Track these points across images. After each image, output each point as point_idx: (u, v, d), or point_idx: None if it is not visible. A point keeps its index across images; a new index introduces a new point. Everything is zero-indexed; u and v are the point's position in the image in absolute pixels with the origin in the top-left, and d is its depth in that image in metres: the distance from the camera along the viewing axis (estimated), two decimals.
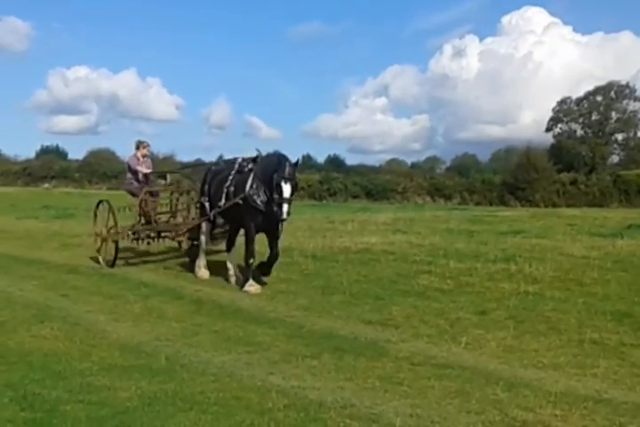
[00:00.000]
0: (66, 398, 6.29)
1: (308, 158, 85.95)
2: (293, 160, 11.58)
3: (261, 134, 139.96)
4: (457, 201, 58.34)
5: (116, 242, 14.65)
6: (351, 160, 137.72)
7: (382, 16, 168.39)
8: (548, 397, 6.36)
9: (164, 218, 15.38)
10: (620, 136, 73.15)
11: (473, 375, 7.02)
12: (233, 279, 12.58)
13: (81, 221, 24.35)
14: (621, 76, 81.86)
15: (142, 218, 14.85)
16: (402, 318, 9.53)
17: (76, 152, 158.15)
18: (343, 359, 7.76)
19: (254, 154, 12.35)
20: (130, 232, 14.44)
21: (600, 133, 71.83)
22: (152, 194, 15.06)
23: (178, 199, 15.66)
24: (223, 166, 12.95)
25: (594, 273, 11.45)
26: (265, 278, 12.28)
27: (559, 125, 73.68)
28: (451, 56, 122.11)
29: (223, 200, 12.33)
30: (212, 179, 12.87)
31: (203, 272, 13.21)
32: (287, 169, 11.13)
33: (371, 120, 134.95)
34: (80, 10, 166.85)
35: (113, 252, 14.68)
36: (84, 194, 54.17)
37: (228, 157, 14.29)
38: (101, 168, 74.80)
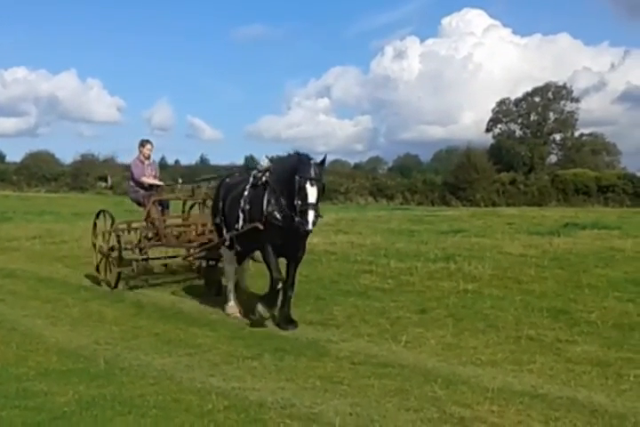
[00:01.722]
0: (1, 404, 6.19)
1: (251, 160, 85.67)
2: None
3: (204, 136, 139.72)
4: (399, 201, 58.72)
5: (119, 258, 12.45)
6: None
7: (325, 18, 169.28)
8: (485, 393, 6.44)
9: (174, 232, 12.75)
10: (557, 136, 74.57)
11: (412, 373, 7.09)
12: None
13: (19, 224, 23.96)
14: (559, 78, 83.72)
15: (150, 232, 12.61)
16: (343, 318, 9.58)
17: (15, 154, 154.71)
18: (284, 360, 7.77)
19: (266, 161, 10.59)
20: (137, 247, 12.52)
21: (538, 134, 73.04)
22: (161, 204, 12.92)
23: (191, 208, 13.41)
24: (238, 179, 10.45)
25: (531, 271, 11.64)
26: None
27: (499, 126, 74.79)
28: (392, 57, 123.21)
29: (241, 222, 9.83)
30: (226, 194, 10.40)
31: (233, 308, 10.40)
32: (312, 168, 8.84)
33: (314, 121, 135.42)
34: (17, 10, 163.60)
35: (116, 271, 12.39)
36: (22, 197, 53.33)
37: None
38: (40, 171, 73.72)
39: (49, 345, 8.49)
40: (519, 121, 73.96)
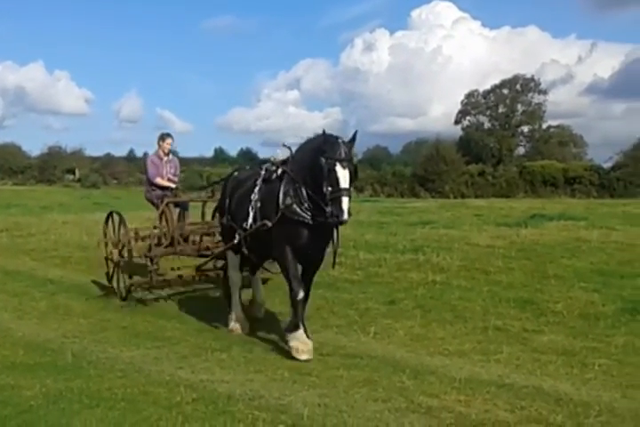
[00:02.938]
0: None
1: (220, 152, 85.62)
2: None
3: (174, 128, 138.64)
4: (369, 193, 58.69)
5: (130, 266, 10.69)
6: (264, 153, 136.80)
7: (295, 10, 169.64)
8: (452, 383, 6.51)
9: (192, 237, 11.08)
10: (525, 128, 74.92)
11: (381, 364, 7.13)
12: (252, 310, 9.50)
13: None
14: (527, 70, 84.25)
15: (163, 238, 10.70)
16: (312, 310, 9.55)
17: None
18: (253, 352, 7.79)
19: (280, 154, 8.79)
20: (146, 256, 10.35)
21: (507, 126, 73.40)
22: (178, 206, 11.28)
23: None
24: (248, 173, 9.08)
25: (498, 262, 11.74)
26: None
27: (467, 118, 75.00)
28: (362, 50, 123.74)
29: (250, 220, 8.41)
30: (234, 190, 9.04)
31: (237, 325, 8.97)
32: (341, 148, 7.38)
33: (283, 113, 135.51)
34: None
35: (127, 279, 10.75)
36: None
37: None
38: (7, 163, 73.00)
39: (16, 339, 8.44)
40: (487, 113, 74.24)
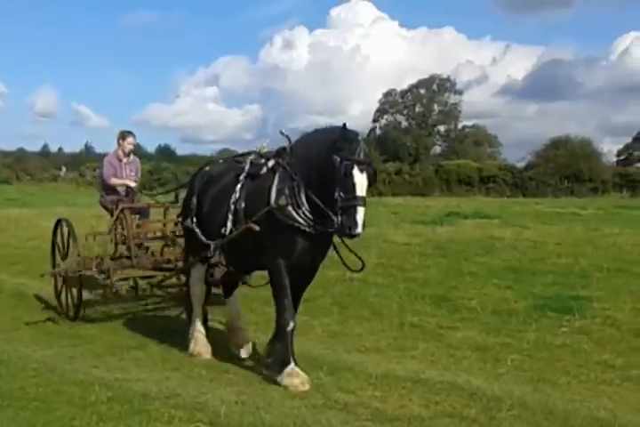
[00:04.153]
0: None
1: (137, 148, 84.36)
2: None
3: (90, 123, 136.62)
4: None
5: (80, 281, 9.22)
6: (182, 150, 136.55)
7: (214, 6, 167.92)
8: (369, 379, 6.56)
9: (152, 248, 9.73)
10: (441, 128, 76.27)
11: (298, 361, 7.09)
12: (244, 352, 7.56)
13: None
14: (443, 70, 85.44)
15: (118, 248, 9.47)
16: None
17: None
18: (170, 350, 7.74)
19: (270, 144, 7.47)
20: (95, 269, 9.02)
21: (423, 125, 74.57)
22: (138, 213, 9.71)
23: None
24: (224, 167, 7.68)
25: (415, 259, 11.92)
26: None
27: (385, 117, 75.92)
28: (281, 47, 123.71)
29: (229, 225, 7.01)
30: (205, 189, 7.55)
31: (200, 347, 7.64)
32: (360, 147, 6.28)
33: (202, 110, 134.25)
34: None
35: (76, 295, 9.27)
36: None
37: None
38: None
39: None
40: (405, 112, 75.33)
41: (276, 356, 6.75)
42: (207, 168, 7.88)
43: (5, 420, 5.52)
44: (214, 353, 7.55)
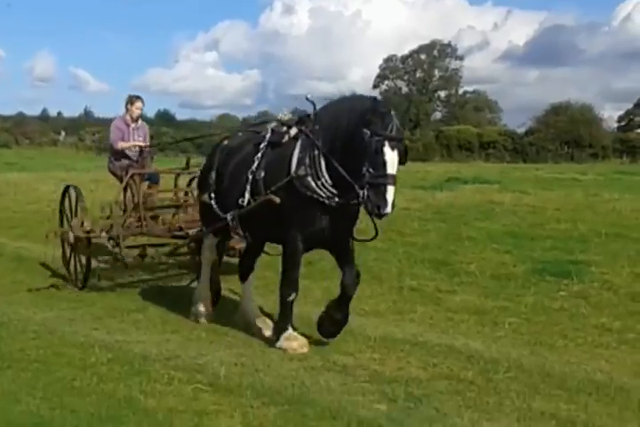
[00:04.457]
0: None
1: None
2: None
3: (89, 88, 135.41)
4: None
5: (88, 249, 9.05)
6: (182, 115, 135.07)
7: None
8: (367, 342, 6.62)
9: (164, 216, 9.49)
10: (442, 93, 75.79)
11: (297, 324, 7.11)
12: (256, 328, 7.10)
13: None
14: (444, 36, 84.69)
15: (127, 214, 9.12)
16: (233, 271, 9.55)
17: None
18: (170, 313, 7.77)
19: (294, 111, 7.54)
20: (106, 235, 8.77)
21: (424, 91, 74.09)
22: (148, 179, 9.62)
23: (189, 186, 9.61)
24: (243, 138, 7.36)
25: (414, 224, 11.93)
26: None
27: (385, 82, 75.35)
28: (281, 12, 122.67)
29: (247, 196, 6.72)
30: (226, 161, 7.23)
31: (202, 314, 7.55)
32: (393, 122, 5.98)
33: (202, 75, 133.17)
34: None
35: (84, 263, 9.01)
36: None
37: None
38: None
39: None
40: (405, 78, 74.78)
41: (276, 325, 6.77)
42: (226, 142, 7.53)
43: (6, 381, 5.56)
44: (215, 316, 7.56)
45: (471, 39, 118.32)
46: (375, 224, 6.47)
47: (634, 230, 11.47)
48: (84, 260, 9.02)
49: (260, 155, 6.68)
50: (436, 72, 74.31)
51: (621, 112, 70.30)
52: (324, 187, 6.22)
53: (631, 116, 68.12)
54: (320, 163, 6.22)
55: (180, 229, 8.94)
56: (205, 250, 7.73)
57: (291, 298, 6.58)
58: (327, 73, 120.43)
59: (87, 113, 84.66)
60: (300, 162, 6.26)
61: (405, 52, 75.47)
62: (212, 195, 7.24)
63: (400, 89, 74.88)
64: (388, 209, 5.88)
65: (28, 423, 4.75)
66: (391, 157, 5.90)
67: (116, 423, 4.71)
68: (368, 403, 5.18)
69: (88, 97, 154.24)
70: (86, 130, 63.05)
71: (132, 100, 9.89)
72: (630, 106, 69.16)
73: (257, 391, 5.33)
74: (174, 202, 9.52)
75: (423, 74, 74.25)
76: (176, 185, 9.74)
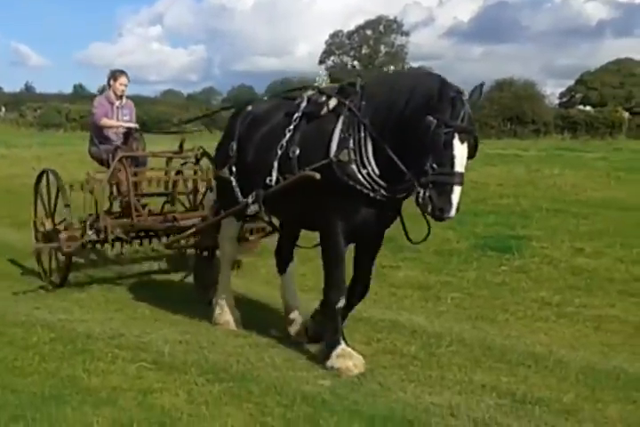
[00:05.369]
0: None
1: (80, 88, 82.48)
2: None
3: (31, 62, 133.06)
4: None
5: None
6: (129, 90, 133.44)
7: None
8: None
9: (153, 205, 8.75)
10: (388, 69, 75.86)
11: (243, 302, 7.15)
12: (294, 329, 6.36)
13: None
14: (390, 12, 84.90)
15: (114, 203, 8.39)
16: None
17: None
18: (113, 291, 7.74)
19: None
20: (89, 229, 7.60)
21: (370, 66, 74.04)
22: (134, 162, 8.45)
23: (181, 173, 8.77)
24: (271, 106, 6.31)
25: None
26: None
27: (332, 58, 75.18)
28: None
29: (274, 175, 5.73)
30: (249, 132, 6.21)
31: (226, 317, 6.56)
32: (464, 110, 4.84)
33: (146, 49, 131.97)
34: None
35: (63, 260, 7.90)
36: None
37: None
38: None
39: None
40: (352, 54, 74.68)
41: (326, 337, 5.70)
42: (250, 108, 6.47)
43: None
44: (159, 296, 7.51)
45: (417, 15, 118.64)
46: (428, 222, 5.56)
47: (573, 205, 11.72)
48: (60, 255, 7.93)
49: (292, 127, 5.68)
50: (382, 48, 74.31)
51: (563, 89, 71.32)
52: (370, 177, 5.27)
53: (572, 93, 69.03)
54: (367, 148, 5.26)
55: (175, 219, 8.10)
56: (225, 242, 6.72)
57: (340, 304, 5.62)
58: (273, 49, 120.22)
59: (28, 88, 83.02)
60: (342, 143, 5.29)
61: (351, 27, 75.37)
62: (234, 168, 6.25)
63: (346, 65, 74.78)
64: (453, 213, 4.86)
65: None
66: (461, 152, 4.81)
67: (59, 403, 4.66)
68: (312, 379, 5.23)
69: (29, 72, 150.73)
70: (27, 105, 61.60)
71: (114, 75, 8.89)
72: (572, 82, 70.16)
73: (202, 369, 5.34)
74: (164, 189, 8.71)
75: (369, 50, 74.20)
76: (168, 171, 8.83)
